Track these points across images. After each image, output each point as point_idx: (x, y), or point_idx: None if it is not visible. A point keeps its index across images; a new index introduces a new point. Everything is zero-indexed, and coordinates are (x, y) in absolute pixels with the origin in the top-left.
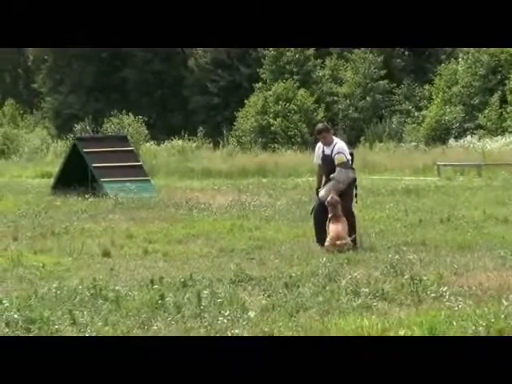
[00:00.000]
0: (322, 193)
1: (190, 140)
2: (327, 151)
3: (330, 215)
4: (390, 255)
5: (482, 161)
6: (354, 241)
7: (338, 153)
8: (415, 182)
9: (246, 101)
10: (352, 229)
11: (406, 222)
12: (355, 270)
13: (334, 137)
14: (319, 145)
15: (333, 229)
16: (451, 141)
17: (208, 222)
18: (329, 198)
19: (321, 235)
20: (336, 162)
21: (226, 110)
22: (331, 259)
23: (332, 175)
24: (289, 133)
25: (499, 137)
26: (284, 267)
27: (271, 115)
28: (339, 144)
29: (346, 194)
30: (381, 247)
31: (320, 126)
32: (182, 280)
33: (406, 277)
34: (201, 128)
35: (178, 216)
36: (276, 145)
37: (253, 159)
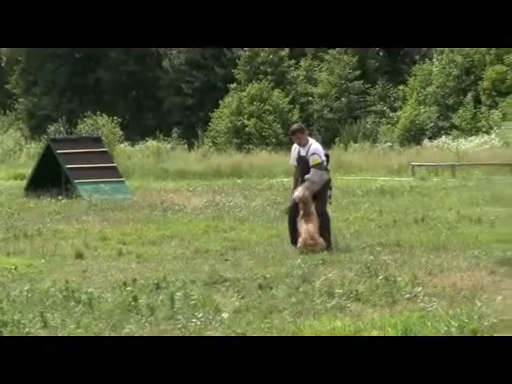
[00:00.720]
0: (296, 193)
1: (164, 141)
2: (302, 152)
3: (301, 212)
4: (364, 256)
5: (456, 161)
6: (326, 241)
7: (313, 154)
8: (390, 182)
9: (220, 101)
10: (326, 230)
11: (381, 223)
12: (329, 271)
13: (309, 138)
14: (295, 146)
15: (304, 229)
16: (425, 141)
17: (182, 224)
18: (300, 194)
19: (295, 236)
20: (311, 163)
21: (201, 111)
22: (306, 260)
23: (306, 176)
24: (263, 133)
25: (473, 137)
26: (258, 268)
27: (246, 116)
28: (314, 145)
29: (321, 194)
30: (355, 248)
31: (295, 126)
32: (156, 282)
33: (380, 278)
34: (175, 129)
35: (152, 217)
36: (250, 145)
37: (227, 160)
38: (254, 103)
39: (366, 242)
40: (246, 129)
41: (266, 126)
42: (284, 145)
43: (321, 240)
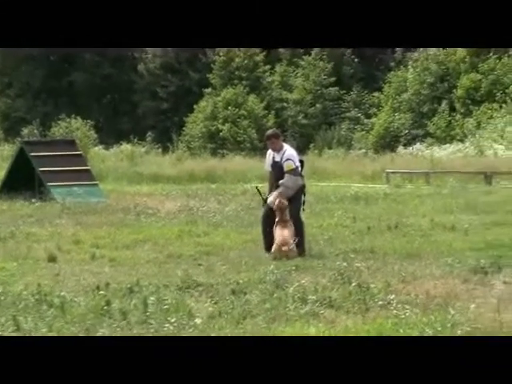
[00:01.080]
0: (270, 199)
1: (139, 145)
2: (277, 158)
3: (276, 219)
4: (338, 263)
5: (430, 168)
6: (300, 247)
7: (287, 159)
8: (364, 189)
9: (195, 106)
10: (300, 235)
11: (355, 230)
12: (303, 277)
13: (283, 143)
14: (270, 151)
15: (279, 234)
16: (400, 148)
17: (156, 228)
18: (276, 202)
19: (268, 242)
20: (285, 169)
21: (176, 115)
22: (279, 266)
23: (281, 181)
24: (238, 138)
25: (448, 144)
26: (231, 274)
27: (220, 121)
28: (289, 151)
29: (295, 200)
30: (329, 254)
31: (269, 132)
32: (129, 286)
33: (353, 284)
34: (150, 133)
35: (125, 221)
36: (225, 150)
37: (202, 165)
38: (229, 108)
39: (340, 249)
40: (221, 134)
41: (241, 131)
42: (258, 150)
43: (294, 247)
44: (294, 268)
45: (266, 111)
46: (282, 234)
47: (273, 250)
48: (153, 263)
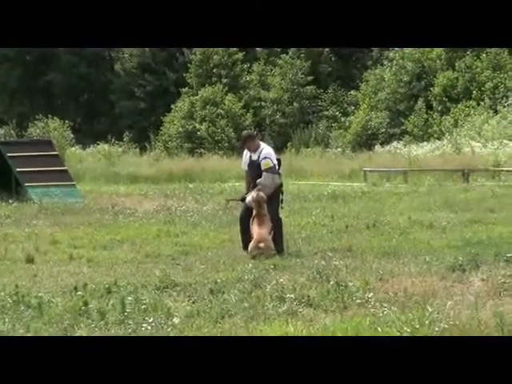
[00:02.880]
0: (248, 198)
1: (116, 145)
2: (254, 157)
3: (254, 213)
4: (316, 261)
5: (407, 167)
6: (278, 245)
7: (265, 158)
8: (342, 187)
9: (172, 106)
10: (278, 234)
11: (333, 228)
12: (281, 276)
13: (260, 142)
14: (246, 151)
15: (256, 232)
16: (377, 147)
17: (134, 228)
18: (254, 194)
19: (247, 241)
20: (262, 168)
21: (153, 115)
22: (257, 265)
23: (258, 180)
24: (216, 138)
25: (425, 143)
26: (210, 273)
27: (198, 120)
28: (266, 149)
29: (273, 199)
30: (307, 253)
31: (244, 134)
32: (107, 286)
33: (331, 283)
34: (127, 133)
35: (103, 221)
36: (202, 150)
37: (179, 164)
38: (207, 107)
39: (318, 247)
40: (198, 133)
41: (219, 131)
42: (236, 149)
43: (272, 244)
44: (272, 267)
45: (244, 110)
46: (259, 230)
47: (250, 246)
48: (131, 263)
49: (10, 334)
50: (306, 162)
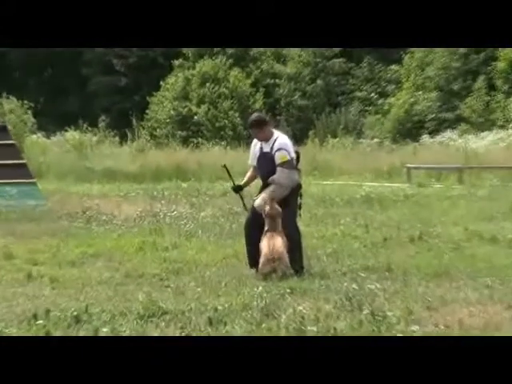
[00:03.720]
0: (258, 201)
1: (89, 132)
2: (266, 148)
3: (266, 228)
4: (345, 284)
5: (463, 163)
6: (296, 263)
7: (280, 149)
8: (378, 189)
9: (161, 82)
10: (297, 249)
11: (367, 241)
12: (300, 303)
13: (274, 130)
14: (256, 141)
15: (267, 245)
16: (425, 137)
17: (111, 239)
18: (267, 208)
19: (254, 257)
20: (277, 161)
21: (137, 94)
22: (269, 288)
23: (271, 178)
24: (217, 124)
25: (486, 132)
26: (208, 298)
27: (194, 101)
28: (281, 139)
29: (289, 203)
30: (333, 273)
31: (253, 118)
32: (75, 314)
33: (365, 312)
34: (103, 117)
35: (71, 230)
36: (200, 139)
37: (170, 158)
38: (206, 85)
39: (348, 266)
40: (195, 118)
41: (221, 115)
42: (244, 139)
43: (287, 260)
44: (288, 291)
45: (254, 89)
46: (271, 243)
47: (260, 262)
48: (106, 284)
49: None
50: (333, 155)
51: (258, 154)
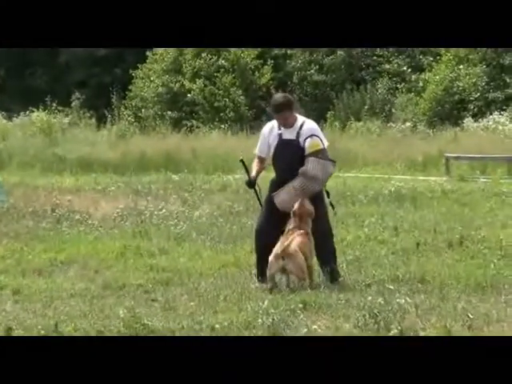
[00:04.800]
0: (282, 196)
1: (59, 112)
2: (288, 135)
3: (288, 227)
4: (369, 298)
5: None
6: (333, 276)
7: (311, 136)
8: (411, 183)
9: (148, 52)
10: (331, 253)
11: (396, 247)
12: (315, 321)
13: (297, 115)
14: (271, 125)
15: (280, 242)
16: (468, 120)
17: (86, 242)
18: (296, 206)
19: (263, 267)
20: (308, 150)
21: (118, 67)
22: (277, 303)
23: (303, 169)
24: (216, 104)
25: None
26: (203, 314)
27: (188, 75)
28: (309, 124)
29: (318, 200)
30: (355, 285)
31: (279, 98)
32: (42, 332)
33: (393, 331)
34: (77, 94)
35: (38, 232)
36: (195, 122)
37: (158, 144)
38: (202, 56)
39: (373, 276)
40: (189, 95)
41: (221, 92)
42: (247, 121)
43: (301, 260)
44: (300, 306)
45: (260, 61)
46: (287, 241)
47: (268, 263)
48: (80, 297)
49: None
50: (357, 142)
51: (275, 141)
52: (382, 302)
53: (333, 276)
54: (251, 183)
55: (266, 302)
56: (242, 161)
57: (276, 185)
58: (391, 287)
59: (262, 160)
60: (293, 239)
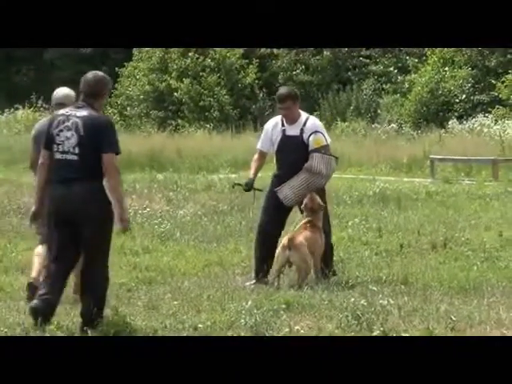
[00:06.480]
0: (285, 191)
1: (44, 110)
2: (291, 131)
3: (304, 220)
4: (352, 299)
5: (499, 154)
6: (328, 266)
7: (315, 132)
8: (396, 184)
9: (134, 50)
10: (329, 251)
11: (380, 248)
12: (297, 321)
13: (301, 111)
14: (275, 121)
15: (288, 234)
16: (453, 122)
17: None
18: (306, 199)
19: (263, 266)
20: (312, 146)
21: (104, 64)
22: (260, 303)
23: (308, 164)
24: (201, 103)
25: None
26: (186, 314)
27: (174, 74)
28: (313, 120)
29: (321, 198)
30: (338, 286)
31: (284, 90)
32: (25, 333)
33: (376, 333)
34: None
35: (21, 229)
36: (181, 121)
37: (143, 143)
38: (189, 55)
39: (356, 278)
40: (175, 94)
41: (206, 92)
42: (233, 121)
43: (305, 251)
44: (283, 306)
45: (245, 61)
46: (295, 233)
47: (275, 255)
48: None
49: None
50: (342, 143)
51: (279, 137)
52: (365, 304)
53: (329, 272)
54: (248, 187)
55: (249, 302)
56: (234, 185)
57: (279, 180)
58: (374, 288)
59: (263, 155)
60: (302, 232)
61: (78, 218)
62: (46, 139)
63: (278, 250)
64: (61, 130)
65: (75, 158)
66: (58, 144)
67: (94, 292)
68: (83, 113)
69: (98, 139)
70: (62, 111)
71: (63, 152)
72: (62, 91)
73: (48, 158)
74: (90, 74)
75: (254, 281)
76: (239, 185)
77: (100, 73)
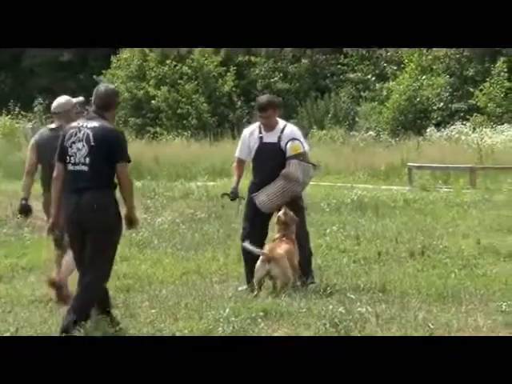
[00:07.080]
0: (261, 197)
1: (23, 117)
2: (269, 138)
3: (276, 235)
4: (330, 307)
5: (477, 162)
6: (307, 274)
7: (293, 139)
8: (374, 192)
9: (112, 57)
10: (306, 258)
11: (358, 256)
12: (275, 329)
13: (279, 119)
14: (252, 129)
15: (266, 247)
16: (431, 130)
17: (47, 248)
18: (281, 213)
19: (252, 270)
20: (289, 153)
21: (82, 73)
22: (238, 311)
23: (284, 171)
24: (179, 110)
25: (505, 125)
26: (164, 322)
27: (152, 82)
28: (290, 128)
29: (298, 204)
30: (316, 293)
31: (265, 98)
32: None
33: None
34: (40, 99)
35: None
36: (159, 128)
37: None
38: (167, 63)
39: (334, 285)
40: (153, 102)
41: (184, 99)
42: (211, 129)
43: (286, 263)
44: (261, 314)
45: (223, 69)
46: (273, 246)
47: (257, 265)
48: (40, 303)
49: None
50: (320, 151)
51: (256, 144)
52: (343, 311)
53: (307, 280)
54: (233, 195)
55: (227, 310)
56: (222, 196)
57: (256, 187)
58: (352, 296)
59: (241, 162)
60: (280, 245)
61: (87, 224)
62: (60, 152)
63: (258, 263)
64: (73, 142)
65: (86, 168)
66: (71, 156)
67: (84, 291)
68: (94, 124)
69: (108, 149)
70: (74, 124)
71: (75, 163)
72: (56, 101)
73: (62, 170)
74: (102, 87)
75: (246, 286)
76: (227, 194)
77: (111, 86)
